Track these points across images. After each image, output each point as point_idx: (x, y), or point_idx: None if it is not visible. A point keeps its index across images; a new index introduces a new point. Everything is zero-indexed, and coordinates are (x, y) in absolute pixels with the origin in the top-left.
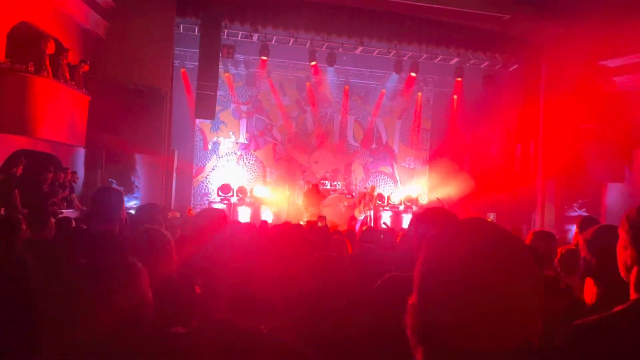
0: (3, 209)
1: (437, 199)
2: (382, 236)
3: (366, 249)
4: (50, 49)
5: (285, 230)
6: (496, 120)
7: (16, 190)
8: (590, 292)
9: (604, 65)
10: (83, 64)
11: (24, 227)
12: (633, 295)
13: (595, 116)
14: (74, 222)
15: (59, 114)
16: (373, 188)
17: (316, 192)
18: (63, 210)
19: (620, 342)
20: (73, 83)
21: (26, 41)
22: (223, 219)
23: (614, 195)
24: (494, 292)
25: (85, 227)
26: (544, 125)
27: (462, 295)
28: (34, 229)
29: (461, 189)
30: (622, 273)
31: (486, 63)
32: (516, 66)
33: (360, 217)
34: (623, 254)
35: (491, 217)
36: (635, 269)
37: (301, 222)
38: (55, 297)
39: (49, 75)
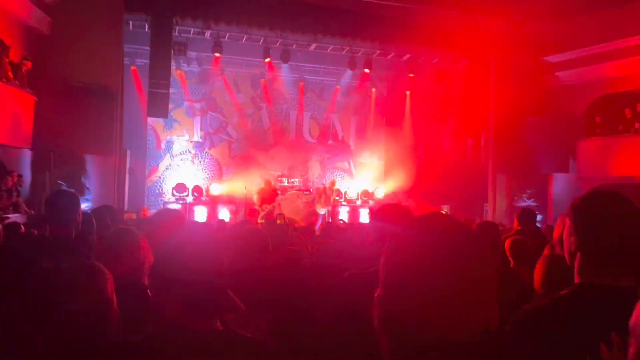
0: None
1: (393, 192)
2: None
3: (326, 246)
4: None
5: (244, 228)
6: (448, 115)
7: None
8: (537, 278)
9: (547, 61)
10: (25, 62)
11: None
12: (576, 279)
13: (540, 109)
14: (22, 227)
15: (1, 115)
16: (333, 183)
17: (269, 189)
18: (10, 215)
19: (564, 324)
20: (16, 82)
21: None
22: (180, 219)
23: (559, 186)
24: (451, 282)
25: (35, 232)
26: (493, 119)
27: (422, 286)
28: None
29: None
30: (567, 259)
31: (437, 59)
32: (465, 62)
33: (322, 212)
34: (568, 240)
35: (445, 209)
36: (578, 255)
37: (259, 220)
38: (18, 300)
39: None
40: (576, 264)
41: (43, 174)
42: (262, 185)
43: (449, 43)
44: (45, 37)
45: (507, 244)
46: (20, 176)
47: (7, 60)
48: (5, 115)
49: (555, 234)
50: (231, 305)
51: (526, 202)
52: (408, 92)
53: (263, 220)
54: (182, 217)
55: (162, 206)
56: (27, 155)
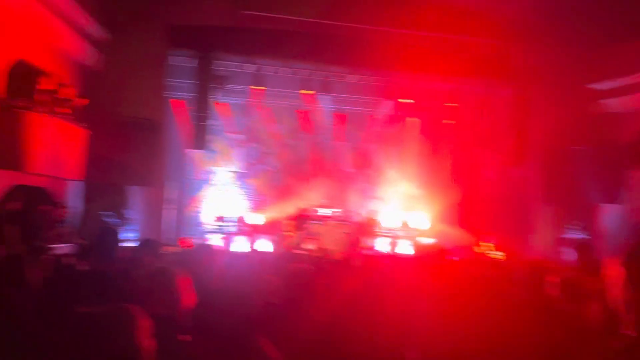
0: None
1: (433, 224)
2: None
3: (365, 279)
4: (47, 85)
5: (288, 268)
6: (492, 145)
7: (13, 226)
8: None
9: (592, 88)
10: (79, 98)
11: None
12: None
13: (586, 138)
14: (68, 258)
15: (54, 148)
16: (373, 215)
17: (302, 218)
18: (57, 246)
19: None
20: (70, 117)
21: (24, 78)
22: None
23: (610, 217)
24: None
25: (80, 264)
26: (539, 149)
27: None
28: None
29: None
30: (620, 308)
31: (481, 88)
32: (510, 91)
33: (366, 244)
34: (623, 291)
35: (490, 242)
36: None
37: (298, 251)
38: (52, 342)
39: (45, 110)
40: (631, 317)
41: (91, 205)
42: (294, 214)
43: (492, 72)
44: (97, 72)
45: (558, 281)
46: (69, 208)
47: (62, 97)
48: (57, 149)
49: (608, 276)
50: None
51: (574, 234)
52: (450, 122)
53: (304, 252)
54: (220, 254)
55: (202, 236)
56: (77, 186)
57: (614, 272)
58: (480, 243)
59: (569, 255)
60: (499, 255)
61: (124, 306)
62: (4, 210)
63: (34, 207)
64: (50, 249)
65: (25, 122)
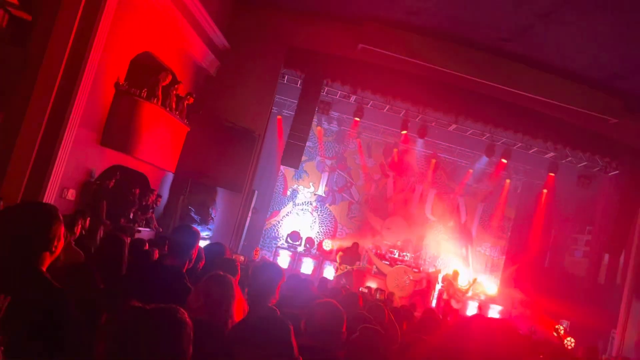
0: (89, 218)
1: (507, 294)
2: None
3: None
4: (166, 80)
5: (318, 301)
6: (585, 224)
7: (104, 202)
8: None
9: None
10: (189, 97)
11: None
12: None
13: None
14: (147, 244)
15: (158, 139)
16: (456, 274)
17: (355, 251)
18: (141, 229)
19: None
20: (177, 113)
21: (145, 69)
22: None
23: None
24: None
25: (157, 251)
26: (638, 239)
27: None
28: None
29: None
30: None
31: (584, 163)
32: (617, 172)
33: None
34: None
35: (564, 325)
36: None
37: (360, 289)
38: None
39: (158, 103)
40: None
41: (178, 198)
42: (348, 245)
43: (601, 150)
44: (211, 77)
45: None
46: (159, 196)
47: (174, 92)
48: (160, 140)
49: None
50: None
51: None
52: (545, 191)
53: (366, 290)
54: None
55: (274, 250)
56: (169, 178)
57: None
58: (556, 326)
59: None
60: (569, 341)
61: (175, 308)
62: (101, 186)
63: (130, 189)
64: (135, 230)
65: (138, 109)
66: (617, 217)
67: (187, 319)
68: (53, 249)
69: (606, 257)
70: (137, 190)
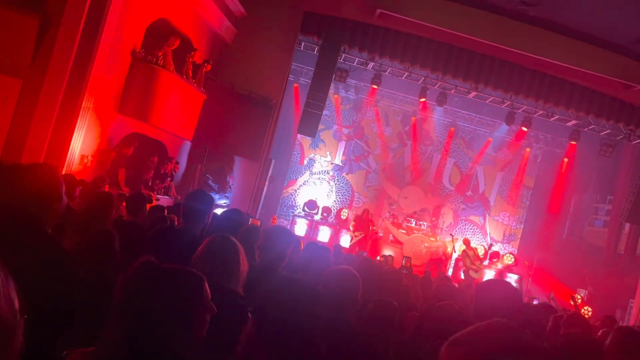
0: (107, 184)
1: (525, 263)
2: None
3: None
4: (181, 47)
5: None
6: (606, 192)
7: (123, 169)
8: None
9: None
10: (206, 64)
11: (123, 205)
12: None
13: None
14: (166, 210)
15: (175, 107)
16: (467, 242)
17: (365, 218)
18: (160, 197)
19: None
20: (194, 81)
21: (161, 36)
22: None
23: None
24: None
25: (175, 217)
26: None
27: None
28: (130, 210)
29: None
30: None
31: (607, 131)
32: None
33: (475, 276)
34: None
35: (582, 293)
36: None
37: (377, 257)
38: (123, 295)
39: (175, 70)
40: None
41: (195, 166)
42: (359, 213)
43: (625, 117)
44: (227, 45)
45: None
46: (177, 163)
47: (191, 60)
48: (178, 108)
49: None
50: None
51: None
52: (566, 160)
53: (382, 259)
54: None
55: (291, 218)
56: (186, 146)
57: None
58: (573, 294)
59: None
60: (586, 310)
61: (193, 270)
62: (119, 154)
63: (149, 157)
64: (154, 197)
65: (155, 77)
66: (639, 186)
67: (204, 284)
68: (57, 210)
69: (627, 226)
70: (156, 158)
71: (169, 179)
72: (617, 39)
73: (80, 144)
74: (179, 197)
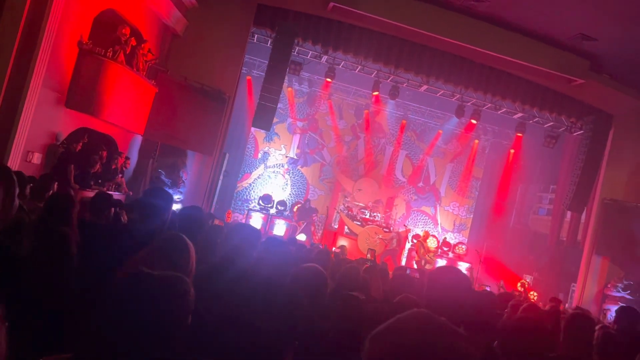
0: (56, 183)
1: (475, 251)
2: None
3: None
4: (129, 38)
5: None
6: (549, 182)
7: (72, 166)
8: None
9: None
10: (149, 53)
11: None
12: None
13: None
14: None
15: (126, 100)
16: (427, 235)
17: (308, 207)
18: (112, 193)
19: None
20: (144, 73)
21: (109, 27)
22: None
23: None
24: None
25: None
26: (599, 197)
27: None
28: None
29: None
30: None
31: (550, 123)
32: (581, 132)
33: (427, 267)
34: None
35: (528, 279)
36: None
37: (334, 249)
38: (104, 294)
39: (123, 62)
40: None
41: (147, 161)
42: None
43: (567, 110)
44: (177, 36)
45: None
46: (127, 158)
47: (141, 52)
48: (127, 102)
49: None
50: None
51: (620, 293)
52: (512, 151)
53: (339, 250)
54: (258, 238)
55: (246, 212)
56: (137, 140)
57: None
58: (521, 280)
59: (618, 319)
60: (532, 295)
61: (181, 276)
62: (68, 150)
63: (97, 152)
64: (111, 197)
65: (103, 69)
66: (580, 176)
67: (191, 289)
68: (9, 212)
69: (568, 214)
70: (105, 153)
71: (119, 174)
72: (561, 35)
73: (25, 139)
74: (131, 193)
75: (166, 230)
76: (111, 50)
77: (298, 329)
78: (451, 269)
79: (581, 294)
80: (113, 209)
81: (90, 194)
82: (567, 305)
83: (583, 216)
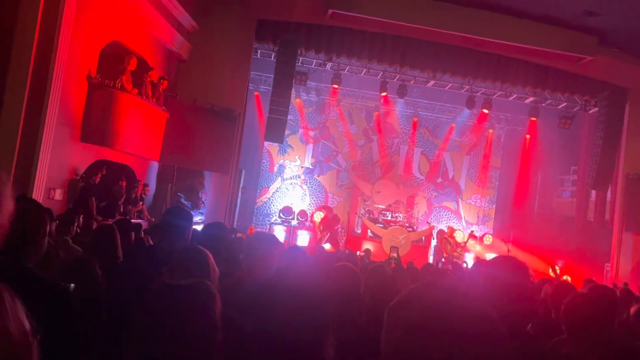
0: (82, 215)
1: (502, 241)
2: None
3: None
4: (133, 65)
5: (334, 265)
6: (570, 164)
7: (93, 198)
8: None
9: None
10: (162, 81)
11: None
12: None
13: None
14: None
15: (139, 129)
16: (451, 230)
17: (331, 216)
18: (135, 221)
19: None
20: (154, 100)
21: (116, 58)
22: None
23: None
24: None
25: (150, 240)
26: (623, 173)
27: None
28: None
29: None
30: None
31: (564, 104)
32: (596, 109)
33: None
34: None
35: (559, 264)
36: None
37: (358, 253)
38: (139, 315)
39: (132, 91)
40: None
41: (166, 186)
42: (323, 215)
43: (579, 89)
44: (183, 61)
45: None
46: (146, 185)
47: (149, 79)
48: (142, 130)
49: None
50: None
51: None
52: (528, 136)
53: (363, 253)
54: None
55: (268, 227)
56: (154, 167)
57: None
58: (553, 266)
59: None
60: (567, 279)
61: (206, 282)
62: (88, 183)
63: (117, 182)
64: (130, 221)
65: (114, 101)
66: (600, 154)
67: (216, 293)
68: (39, 247)
69: (593, 194)
70: (124, 183)
71: (140, 202)
72: (564, 14)
73: (45, 177)
74: (153, 219)
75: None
76: (120, 81)
77: (329, 330)
78: (509, 258)
79: (615, 272)
80: (133, 234)
81: None
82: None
83: (609, 194)
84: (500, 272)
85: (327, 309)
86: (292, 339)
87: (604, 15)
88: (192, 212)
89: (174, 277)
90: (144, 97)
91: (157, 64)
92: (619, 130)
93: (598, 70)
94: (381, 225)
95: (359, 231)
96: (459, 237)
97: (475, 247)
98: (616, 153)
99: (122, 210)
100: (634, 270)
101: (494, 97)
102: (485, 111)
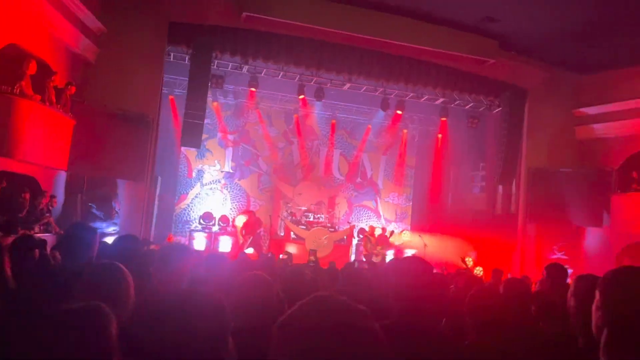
0: None
1: (419, 236)
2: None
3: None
4: (32, 69)
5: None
6: (478, 161)
7: None
8: None
9: (583, 112)
10: (69, 87)
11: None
12: (602, 356)
13: (574, 161)
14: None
15: (42, 137)
16: (372, 229)
17: (253, 220)
18: (41, 235)
19: None
20: (59, 106)
21: (14, 62)
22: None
23: (592, 240)
24: None
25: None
26: (525, 168)
27: None
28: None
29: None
30: (595, 331)
31: (471, 104)
32: (500, 109)
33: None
34: (595, 314)
35: (472, 256)
36: (605, 332)
37: (280, 256)
38: (22, 348)
39: (34, 97)
40: (602, 340)
41: (75, 196)
42: (245, 219)
43: (483, 90)
44: (90, 64)
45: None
46: (53, 196)
47: (52, 84)
48: (45, 137)
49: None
50: None
51: (557, 255)
52: (440, 136)
53: (285, 257)
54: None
55: (188, 234)
56: (62, 176)
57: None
58: (464, 258)
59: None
60: (479, 270)
61: (99, 304)
62: None
63: (19, 194)
64: (32, 237)
65: (14, 108)
66: (504, 150)
67: (111, 313)
68: None
69: (500, 189)
70: (27, 195)
71: (47, 214)
72: (467, 19)
73: None
74: (62, 232)
75: (96, 262)
76: (19, 87)
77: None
78: (413, 258)
79: (521, 261)
80: (37, 250)
81: None
82: (509, 275)
83: (513, 188)
84: (407, 271)
85: (225, 320)
86: (187, 352)
87: (504, 21)
88: (105, 222)
89: (84, 299)
90: (47, 103)
91: (61, 67)
92: (520, 128)
93: (500, 72)
94: (304, 227)
95: (282, 234)
96: (378, 233)
97: (394, 243)
98: (518, 149)
99: (25, 224)
100: (538, 258)
101: (407, 98)
102: (399, 112)
